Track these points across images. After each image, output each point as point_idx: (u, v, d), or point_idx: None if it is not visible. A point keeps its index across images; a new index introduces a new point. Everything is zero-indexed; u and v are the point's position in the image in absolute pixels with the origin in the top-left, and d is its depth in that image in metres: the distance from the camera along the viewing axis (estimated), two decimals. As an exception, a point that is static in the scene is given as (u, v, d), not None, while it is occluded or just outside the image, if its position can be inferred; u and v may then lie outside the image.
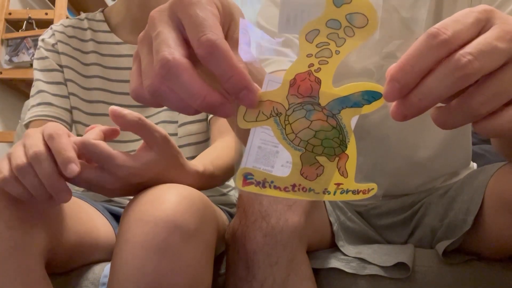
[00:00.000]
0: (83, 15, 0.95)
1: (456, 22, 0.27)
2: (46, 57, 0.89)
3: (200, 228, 0.49)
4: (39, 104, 0.84)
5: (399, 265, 0.66)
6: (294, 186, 0.31)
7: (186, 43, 0.30)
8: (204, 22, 0.29)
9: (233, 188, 0.99)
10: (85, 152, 0.50)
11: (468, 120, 0.28)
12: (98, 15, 0.93)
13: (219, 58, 0.28)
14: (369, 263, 0.67)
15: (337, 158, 0.31)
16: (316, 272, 0.67)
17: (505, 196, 0.59)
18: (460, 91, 0.28)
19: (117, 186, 0.52)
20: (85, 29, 0.91)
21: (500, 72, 0.27)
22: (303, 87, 0.29)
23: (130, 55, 0.89)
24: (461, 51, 0.27)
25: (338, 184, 0.32)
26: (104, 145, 0.50)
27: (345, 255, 0.70)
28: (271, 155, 0.31)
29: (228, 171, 0.74)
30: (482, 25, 0.28)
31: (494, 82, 0.27)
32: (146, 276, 0.45)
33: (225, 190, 0.95)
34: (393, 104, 0.29)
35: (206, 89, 0.28)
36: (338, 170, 0.31)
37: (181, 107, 0.30)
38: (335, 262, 0.68)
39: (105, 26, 0.91)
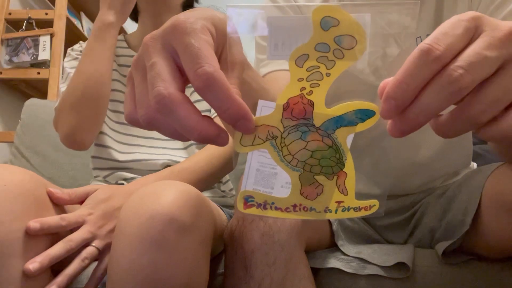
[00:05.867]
0: None
1: (446, 35, 0.27)
2: (76, 58, 0.97)
3: (196, 223, 0.49)
4: None
5: (399, 265, 0.65)
6: (295, 206, 0.32)
7: (180, 71, 0.30)
8: (199, 53, 0.29)
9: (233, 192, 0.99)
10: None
11: (470, 128, 0.28)
12: (119, 37, 1.03)
13: (216, 90, 0.28)
14: (369, 263, 0.67)
15: (335, 177, 0.32)
16: (316, 271, 0.67)
17: (502, 197, 0.59)
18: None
19: None
20: None
21: (495, 78, 0.27)
22: (297, 110, 0.30)
23: None
24: (452, 65, 0.27)
25: (339, 202, 0.32)
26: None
27: (345, 254, 0.70)
28: (270, 177, 0.32)
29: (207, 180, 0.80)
30: (472, 34, 0.28)
31: (491, 89, 0.27)
32: (142, 269, 0.45)
33: (225, 192, 0.96)
34: (389, 121, 0.29)
35: (202, 123, 0.29)
36: (338, 188, 0.32)
37: (175, 137, 0.31)
38: (335, 262, 0.68)
39: (124, 44, 1.01)
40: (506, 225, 0.59)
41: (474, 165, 0.90)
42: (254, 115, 0.30)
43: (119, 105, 0.93)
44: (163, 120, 0.30)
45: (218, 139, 0.30)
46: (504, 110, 0.28)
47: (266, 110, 0.30)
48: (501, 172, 0.63)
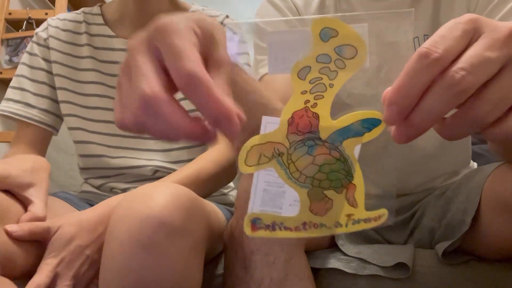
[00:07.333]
0: (81, 9, 0.94)
1: (444, 37, 0.27)
2: (35, 55, 0.88)
3: (187, 226, 0.48)
4: (18, 101, 0.85)
5: (399, 265, 0.65)
6: (305, 224, 0.31)
7: (165, 71, 0.30)
8: (182, 53, 0.28)
9: (233, 188, 0.99)
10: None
11: (475, 130, 0.28)
12: (95, 9, 0.93)
13: (198, 89, 0.27)
14: (369, 263, 0.67)
15: (345, 190, 0.31)
16: (316, 272, 0.67)
17: (502, 197, 0.59)
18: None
19: None
20: (80, 22, 0.91)
21: (498, 79, 0.27)
22: (302, 124, 0.29)
23: (123, 49, 0.88)
24: (454, 67, 0.26)
25: (349, 216, 0.31)
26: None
27: (345, 254, 0.70)
28: (278, 196, 0.31)
29: (214, 183, 0.75)
30: (471, 36, 0.28)
31: (494, 90, 0.27)
32: (132, 273, 0.45)
33: (225, 190, 0.95)
34: (394, 128, 0.29)
35: (187, 121, 0.28)
36: (348, 201, 0.31)
37: (164, 137, 0.30)
38: (335, 262, 0.68)
39: (99, 19, 0.91)
40: (505, 226, 0.59)
41: (474, 164, 0.89)
42: (251, 121, 0.29)
43: (100, 101, 0.86)
44: (149, 120, 0.29)
45: (205, 136, 0.29)
46: (508, 110, 0.28)
47: (270, 127, 0.29)
48: (501, 172, 0.62)
